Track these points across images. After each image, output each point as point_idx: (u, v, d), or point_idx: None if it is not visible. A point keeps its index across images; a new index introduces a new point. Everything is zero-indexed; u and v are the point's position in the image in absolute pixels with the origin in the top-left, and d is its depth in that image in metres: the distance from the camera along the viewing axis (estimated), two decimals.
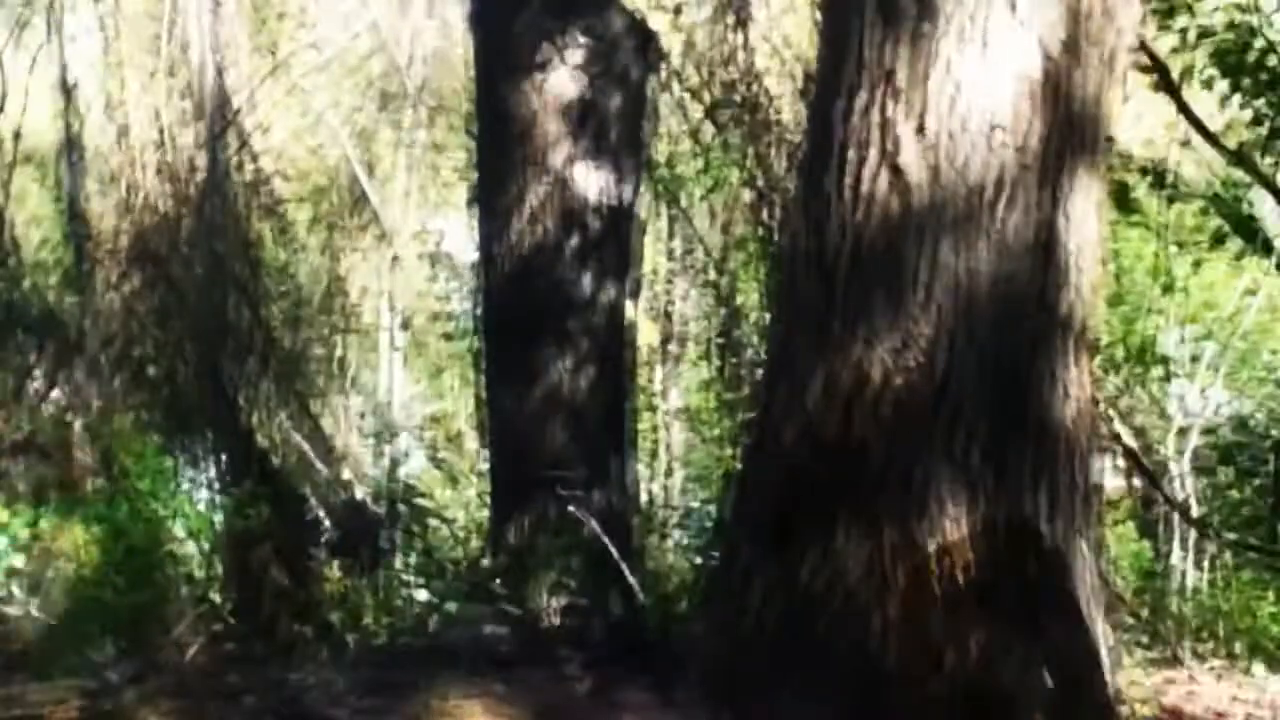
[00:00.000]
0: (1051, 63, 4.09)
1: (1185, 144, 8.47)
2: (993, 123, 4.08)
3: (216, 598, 7.09)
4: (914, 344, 4.11)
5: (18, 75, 11.90)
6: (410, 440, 13.08)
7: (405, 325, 14.31)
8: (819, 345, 4.21)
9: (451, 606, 6.53)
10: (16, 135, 12.05)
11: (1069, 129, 4.17)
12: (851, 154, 4.19)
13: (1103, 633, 4.28)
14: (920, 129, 4.10)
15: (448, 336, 13.91)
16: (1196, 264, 9.27)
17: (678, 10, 9.70)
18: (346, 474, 10.97)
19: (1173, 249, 8.38)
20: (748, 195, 10.60)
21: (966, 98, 4.08)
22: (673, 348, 11.75)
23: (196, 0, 11.04)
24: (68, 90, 11.89)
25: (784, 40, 10.59)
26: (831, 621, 4.16)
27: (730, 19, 10.31)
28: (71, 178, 11.79)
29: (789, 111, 10.16)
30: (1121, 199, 7.45)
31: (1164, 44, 7.70)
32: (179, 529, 7.80)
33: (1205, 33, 7.60)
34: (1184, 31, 7.60)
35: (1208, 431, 10.09)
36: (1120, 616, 4.57)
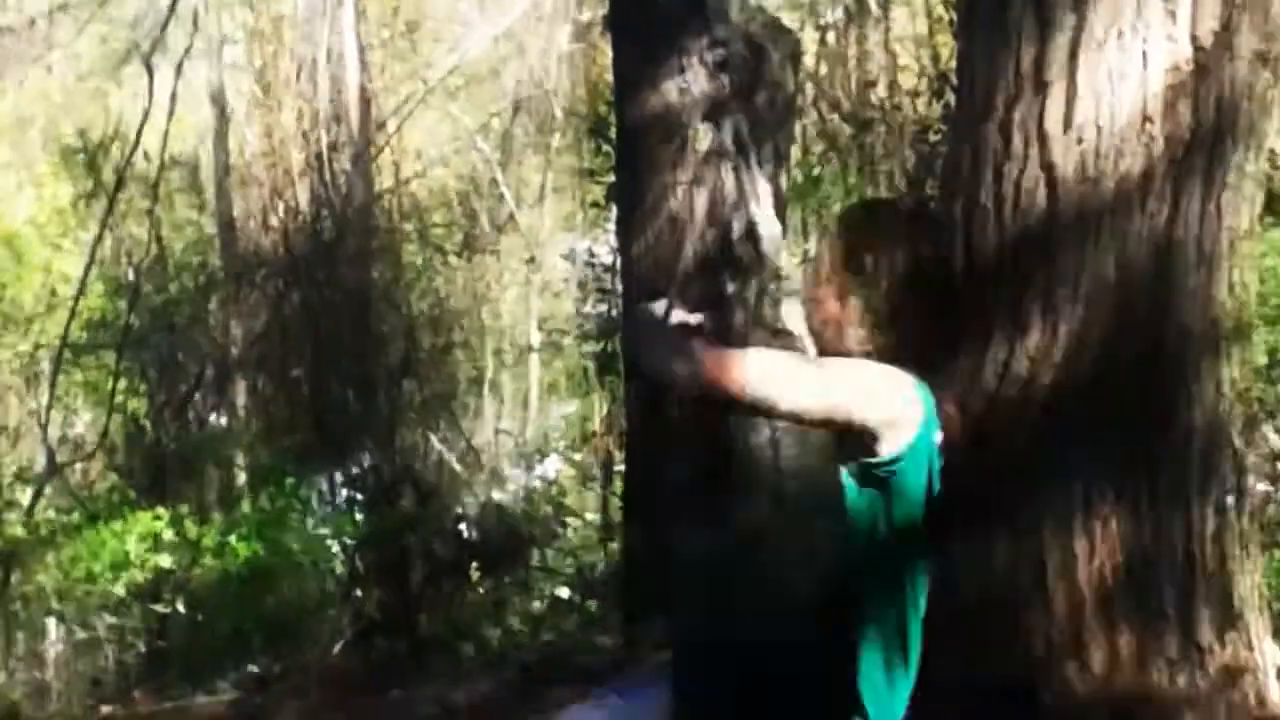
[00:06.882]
0: (1202, 54, 4.00)
1: None
2: (1141, 117, 4.01)
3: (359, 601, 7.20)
4: (1060, 342, 4.06)
5: (162, 87, 12.10)
6: (547, 442, 13.19)
7: (540, 330, 14.46)
8: (965, 347, 4.17)
9: (591, 606, 6.57)
10: (154, 158, 12.30)
11: (1219, 123, 4.08)
12: (997, 152, 4.14)
13: (1268, 647, 4.18)
14: (1067, 125, 4.04)
15: (582, 339, 14.02)
16: None
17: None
18: (485, 478, 11.11)
19: None
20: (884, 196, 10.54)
21: (1114, 92, 4.01)
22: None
23: (334, 15, 11.24)
24: (218, 105, 12.15)
25: (916, 41, 10.51)
26: (983, 624, 4.13)
27: (863, 22, 10.27)
28: (220, 193, 12.06)
29: (924, 111, 10.09)
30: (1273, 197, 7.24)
31: None
32: (304, 553, 7.96)
33: None
34: None
35: None
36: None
